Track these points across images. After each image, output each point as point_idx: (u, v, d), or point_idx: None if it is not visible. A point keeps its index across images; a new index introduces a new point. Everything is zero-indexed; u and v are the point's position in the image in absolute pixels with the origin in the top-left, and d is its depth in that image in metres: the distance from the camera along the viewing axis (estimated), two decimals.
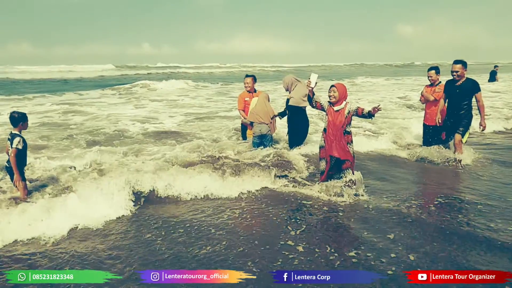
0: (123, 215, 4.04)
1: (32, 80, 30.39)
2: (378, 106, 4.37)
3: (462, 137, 5.71)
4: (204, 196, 4.60)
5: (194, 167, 5.22)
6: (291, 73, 6.59)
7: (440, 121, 5.94)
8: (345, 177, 4.57)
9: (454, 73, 5.57)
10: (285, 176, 5.24)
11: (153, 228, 3.78)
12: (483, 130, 5.77)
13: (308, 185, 4.94)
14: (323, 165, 4.74)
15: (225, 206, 4.34)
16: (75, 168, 5.35)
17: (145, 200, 4.43)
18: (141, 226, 3.83)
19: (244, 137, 6.88)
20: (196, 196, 4.58)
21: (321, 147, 4.74)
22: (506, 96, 15.04)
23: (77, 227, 3.74)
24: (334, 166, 4.63)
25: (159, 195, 4.55)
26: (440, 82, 6.27)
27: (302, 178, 5.24)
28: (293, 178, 5.22)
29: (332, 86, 4.58)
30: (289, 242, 3.45)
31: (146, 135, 8.06)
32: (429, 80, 6.30)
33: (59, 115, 11.10)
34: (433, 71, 6.26)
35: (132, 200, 4.30)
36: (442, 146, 6.04)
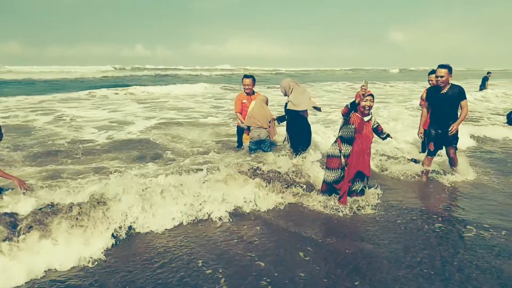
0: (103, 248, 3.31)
1: (22, 81, 29.85)
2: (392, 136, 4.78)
3: (456, 149, 5.47)
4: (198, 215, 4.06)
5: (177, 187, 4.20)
6: (289, 77, 6.42)
7: (422, 136, 5.62)
8: (360, 185, 4.40)
9: (439, 78, 5.09)
10: (292, 185, 4.81)
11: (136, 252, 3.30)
12: (450, 130, 5.15)
13: (309, 195, 4.64)
14: (333, 175, 4.37)
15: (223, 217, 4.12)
16: None
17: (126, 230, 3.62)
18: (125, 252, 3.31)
19: (240, 141, 6.64)
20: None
21: (333, 156, 4.38)
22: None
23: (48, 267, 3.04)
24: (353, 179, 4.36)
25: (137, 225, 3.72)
26: None
27: (306, 188, 4.80)
28: (300, 188, 4.77)
29: (370, 95, 4.18)
30: (300, 253, 3.30)
31: (110, 147, 7.07)
32: (430, 84, 6.18)
33: (27, 115, 10.66)
34: (433, 75, 5.95)
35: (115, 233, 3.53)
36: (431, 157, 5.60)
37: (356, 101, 4.17)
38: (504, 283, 2.84)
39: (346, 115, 4.29)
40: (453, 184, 5.27)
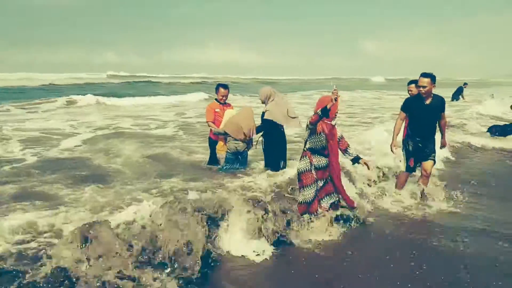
0: None
1: None
2: (369, 163, 4.11)
3: (435, 163, 5.08)
4: None
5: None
6: (269, 85, 5.92)
7: (395, 150, 5.02)
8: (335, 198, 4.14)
9: (422, 88, 4.69)
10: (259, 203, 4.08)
11: None
12: (442, 147, 5.25)
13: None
14: (312, 192, 3.99)
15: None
16: None
17: None
18: None
19: (213, 157, 6.00)
20: None
21: (306, 171, 4.01)
22: None
23: None
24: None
25: None
26: None
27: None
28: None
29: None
30: None
31: (42, 166, 5.95)
32: (409, 94, 5.83)
33: None
34: (413, 85, 5.78)
35: None
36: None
37: (328, 107, 3.70)
38: None
39: (315, 124, 3.85)
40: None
